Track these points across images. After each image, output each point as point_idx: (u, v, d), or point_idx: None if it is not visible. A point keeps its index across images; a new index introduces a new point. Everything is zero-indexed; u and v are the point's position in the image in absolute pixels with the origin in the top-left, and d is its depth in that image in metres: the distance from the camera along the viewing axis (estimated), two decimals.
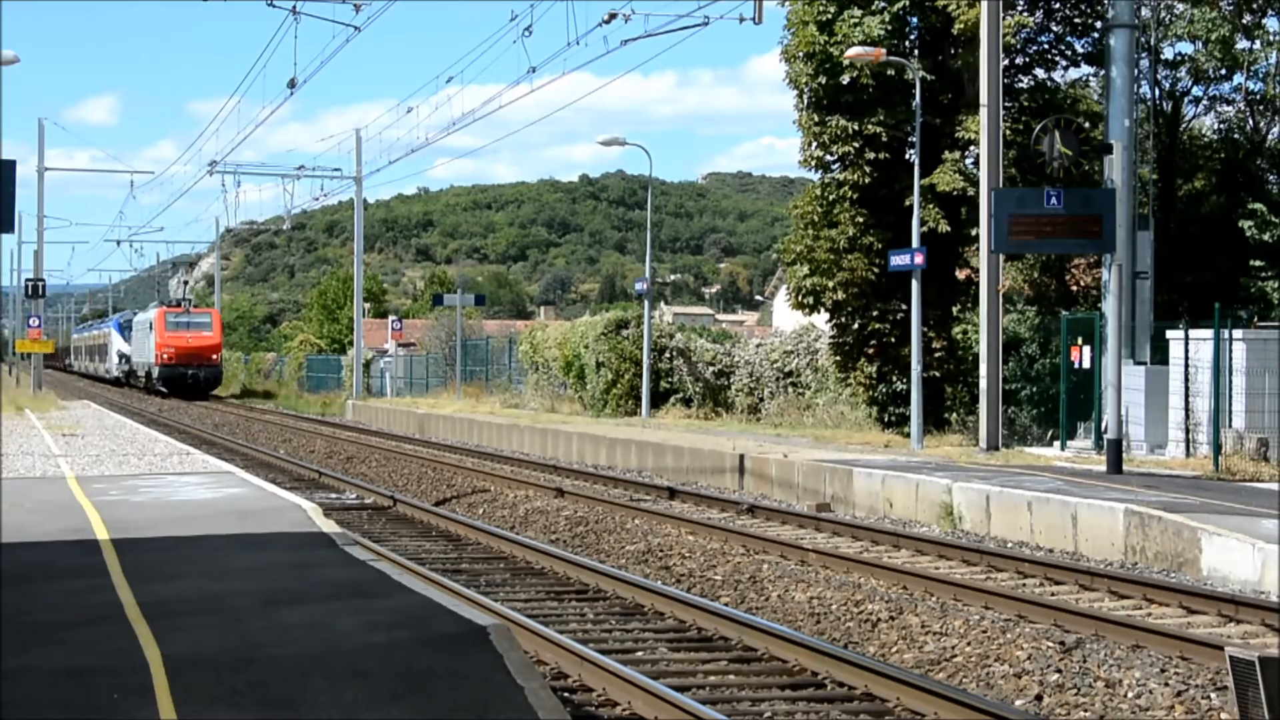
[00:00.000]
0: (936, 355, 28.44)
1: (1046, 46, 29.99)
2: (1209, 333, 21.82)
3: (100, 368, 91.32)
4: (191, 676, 7.56)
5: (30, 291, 55.51)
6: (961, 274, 29.60)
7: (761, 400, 37.92)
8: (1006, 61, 27.43)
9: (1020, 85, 29.27)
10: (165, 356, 67.33)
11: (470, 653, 8.17)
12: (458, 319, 52.12)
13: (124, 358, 79.88)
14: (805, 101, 29.42)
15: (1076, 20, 29.84)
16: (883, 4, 28.70)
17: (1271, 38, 28.41)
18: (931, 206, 27.75)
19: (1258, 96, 30.96)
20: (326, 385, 69.29)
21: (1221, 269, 27.53)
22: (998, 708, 9.05)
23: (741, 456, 24.62)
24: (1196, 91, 31.87)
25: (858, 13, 28.54)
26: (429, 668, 7.83)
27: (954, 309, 29.41)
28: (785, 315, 50.02)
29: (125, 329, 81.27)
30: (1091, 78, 31.69)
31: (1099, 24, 28.23)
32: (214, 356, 69.47)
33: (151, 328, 69.25)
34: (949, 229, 28.15)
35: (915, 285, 26.05)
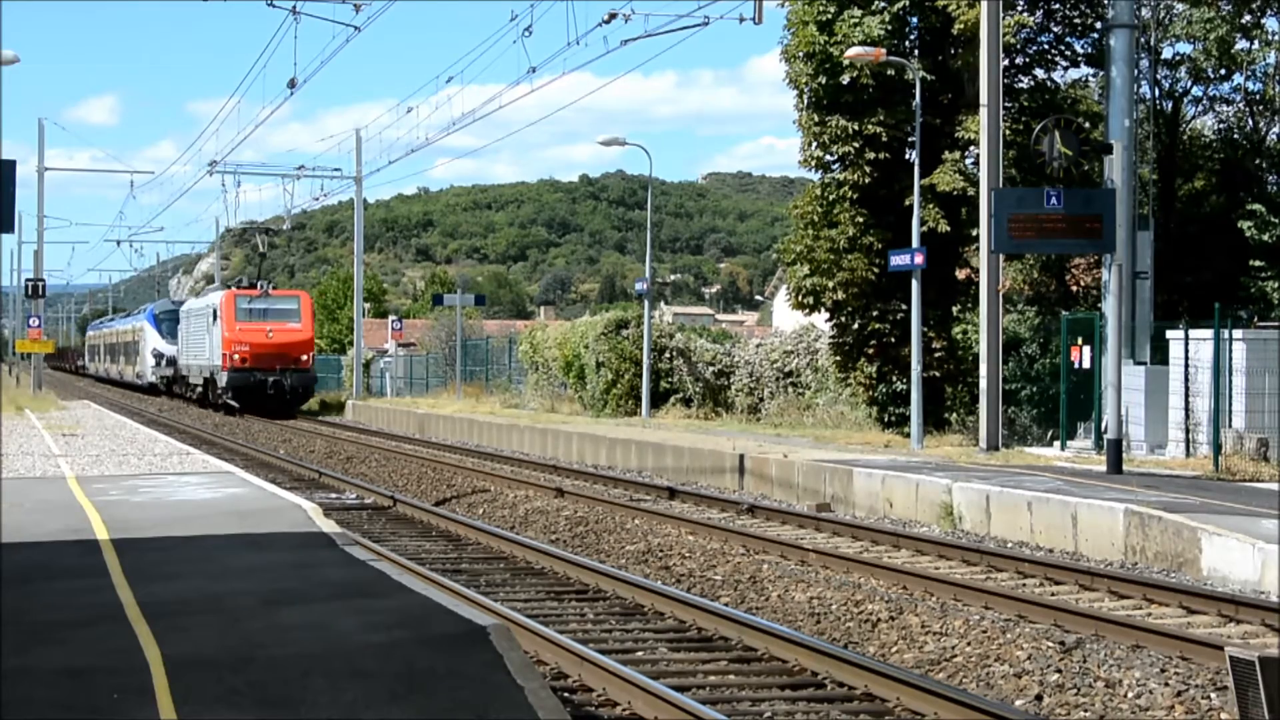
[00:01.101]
0: (936, 355, 28.44)
1: (1046, 46, 30.01)
2: (1209, 333, 21.83)
3: (127, 371, 75.89)
4: (191, 676, 7.56)
5: (30, 291, 55.55)
6: (961, 274, 29.60)
7: (761, 400, 37.92)
8: (1006, 61, 27.44)
9: (1020, 85, 29.28)
10: (237, 358, 50.16)
11: (470, 653, 8.17)
12: (458, 319, 52.13)
13: (163, 359, 64.21)
14: (805, 101, 29.43)
15: (1076, 20, 29.85)
16: (883, 4, 28.71)
17: (1270, 38, 28.42)
18: (931, 206, 27.75)
19: (1257, 96, 30.98)
20: (326, 385, 69.25)
21: (1221, 269, 27.54)
22: (998, 708, 9.05)
23: (741, 456, 24.62)
24: (1196, 91, 31.91)
25: (858, 13, 28.54)
26: (429, 668, 7.83)
27: (954, 309, 29.41)
28: (785, 315, 50.02)
29: (165, 321, 65.33)
30: (1091, 78, 31.72)
31: (1099, 24, 28.24)
32: (304, 357, 51.17)
33: (216, 318, 51.56)
34: (949, 229, 28.16)
35: (915, 285, 26.05)
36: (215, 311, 51.88)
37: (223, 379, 51.09)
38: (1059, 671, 10.21)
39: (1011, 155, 27.26)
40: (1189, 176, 31.09)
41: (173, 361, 62.06)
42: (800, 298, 30.28)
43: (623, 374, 40.79)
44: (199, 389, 56.12)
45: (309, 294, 58.63)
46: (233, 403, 50.69)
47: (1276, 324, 22.75)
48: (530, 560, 16.32)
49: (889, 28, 28.44)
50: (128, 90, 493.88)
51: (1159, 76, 30.13)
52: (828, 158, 29.70)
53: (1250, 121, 31.50)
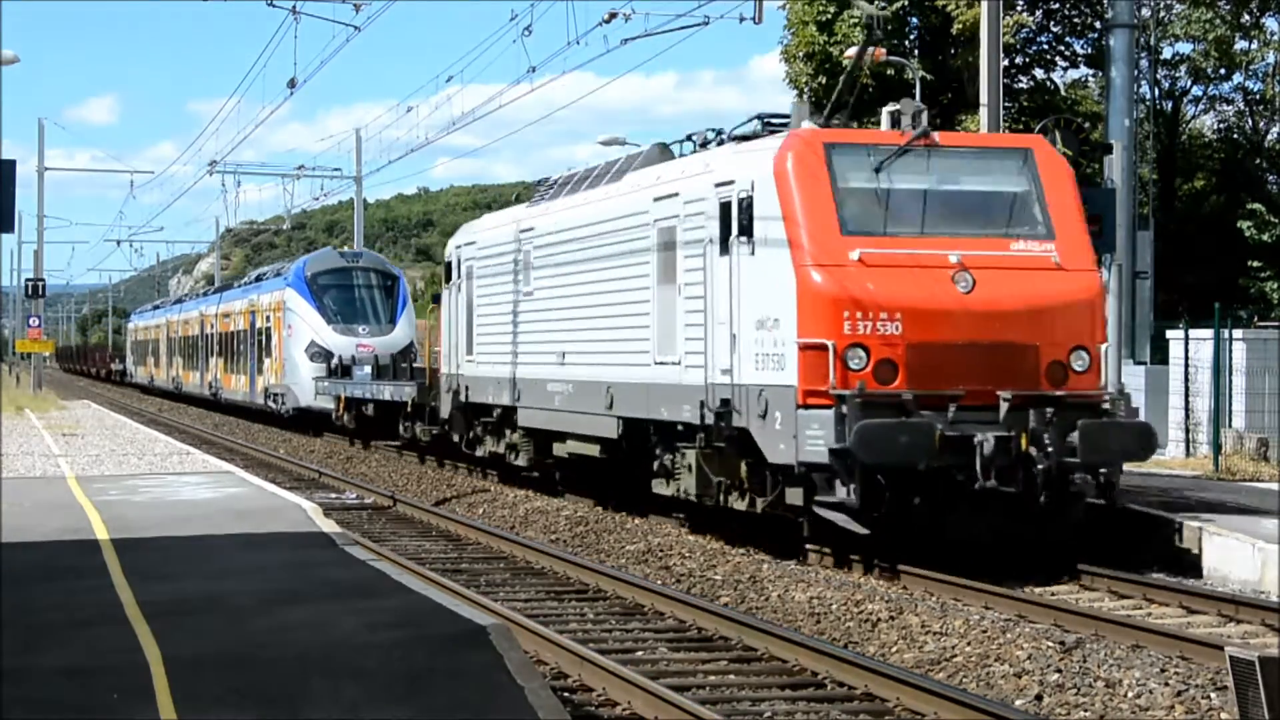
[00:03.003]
0: None
1: (1046, 46, 30.06)
2: (1209, 333, 21.83)
3: (233, 384, 45.61)
4: (191, 676, 7.56)
5: (30, 291, 55.53)
6: None
7: None
8: (1006, 61, 27.45)
9: (1020, 85, 29.33)
10: (863, 359, 13.87)
11: (470, 653, 8.17)
12: None
13: (335, 362, 36.19)
14: (805, 101, 29.47)
15: (1076, 20, 29.90)
16: (883, 4, 28.74)
17: (1270, 38, 28.46)
18: None
19: (1256, 96, 31.02)
20: None
21: (1221, 269, 27.58)
22: (998, 708, 9.04)
23: None
24: (1196, 91, 31.95)
25: (858, 13, 28.59)
26: (429, 668, 7.83)
27: None
28: None
29: (331, 289, 38.54)
30: (1091, 78, 31.77)
31: (1099, 24, 28.29)
32: (1080, 358, 14.38)
33: (757, 232, 14.84)
34: None
35: None
36: (744, 199, 15.20)
37: (817, 445, 13.89)
38: (1059, 671, 10.21)
39: None
40: (1189, 176, 31.14)
41: (407, 367, 31.64)
42: None
43: None
44: (595, 449, 19.16)
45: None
46: (854, 525, 14.06)
47: (1276, 324, 22.78)
48: (530, 560, 16.32)
49: (889, 27, 28.48)
50: (128, 90, 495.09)
51: (1159, 76, 30.19)
52: None
53: (1250, 121, 31.53)
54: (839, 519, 14.14)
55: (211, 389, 49.18)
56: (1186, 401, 22.91)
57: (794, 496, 14.55)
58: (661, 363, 16.69)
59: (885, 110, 15.80)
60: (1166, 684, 9.78)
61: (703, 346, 15.85)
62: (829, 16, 28.61)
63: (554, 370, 19.85)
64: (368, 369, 32.75)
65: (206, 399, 50.89)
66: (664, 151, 19.19)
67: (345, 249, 43.90)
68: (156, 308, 69.08)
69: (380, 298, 38.31)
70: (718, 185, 15.73)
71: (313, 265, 39.45)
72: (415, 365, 31.64)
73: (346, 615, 9.32)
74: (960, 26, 27.84)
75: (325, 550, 12.47)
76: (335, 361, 36.14)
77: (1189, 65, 30.35)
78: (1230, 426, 21.51)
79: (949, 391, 13.91)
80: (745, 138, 16.77)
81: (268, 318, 40.82)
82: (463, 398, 23.91)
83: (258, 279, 45.69)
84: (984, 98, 25.52)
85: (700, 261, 15.93)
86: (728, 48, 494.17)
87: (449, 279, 24.92)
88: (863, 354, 14.06)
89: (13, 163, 16.60)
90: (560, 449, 20.23)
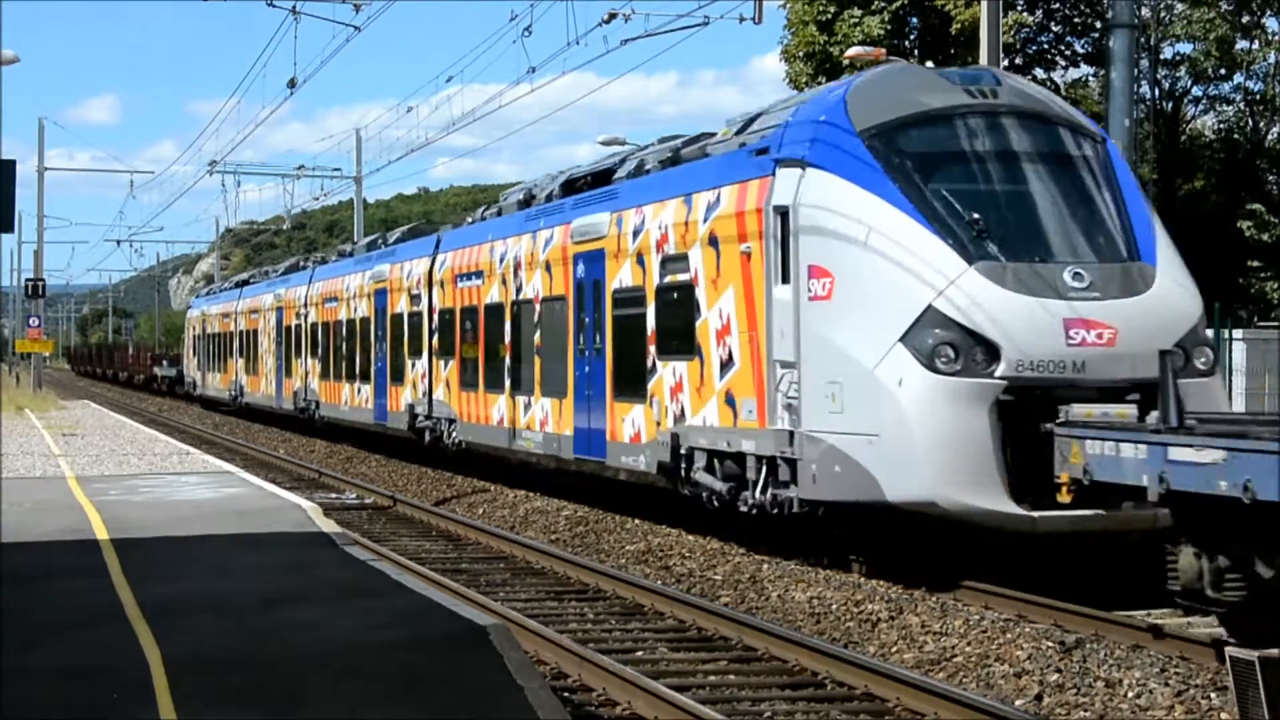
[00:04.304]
0: None
1: (1046, 46, 30.06)
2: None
3: (529, 420, 20.66)
4: (191, 676, 7.57)
5: (30, 291, 55.54)
6: None
7: None
8: (1006, 61, 27.45)
9: None
10: None
11: (470, 653, 8.18)
12: None
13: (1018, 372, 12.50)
14: None
15: (1076, 20, 29.90)
16: (882, 4, 28.74)
17: (1270, 38, 28.47)
18: None
19: (1257, 96, 31.02)
20: None
21: (1221, 269, 27.59)
22: (998, 708, 9.05)
23: None
24: (1196, 91, 31.95)
25: (857, 12, 28.60)
26: (429, 667, 7.84)
27: None
28: None
29: (954, 160, 13.65)
30: (1091, 78, 31.77)
31: (1099, 24, 28.30)
32: None
33: None
34: None
35: None
36: None
37: None
38: (1059, 671, 10.21)
39: None
40: (1189, 176, 31.13)
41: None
42: None
43: None
44: None
45: None
46: None
47: (1276, 324, 22.78)
48: (530, 560, 16.32)
49: (889, 27, 28.50)
50: (128, 90, 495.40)
51: (1159, 76, 30.19)
52: None
53: (1250, 121, 31.52)
54: None
55: (419, 422, 26.31)
56: None
57: None
58: None
59: None
60: (1166, 684, 9.78)
61: None
62: (829, 16, 28.59)
63: None
64: None
65: (401, 438, 28.02)
66: None
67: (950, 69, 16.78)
68: (245, 284, 46.82)
69: (1079, 190, 14.49)
70: None
71: (873, 95, 14.65)
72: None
73: (346, 615, 9.32)
74: (960, 26, 27.83)
75: (325, 550, 12.47)
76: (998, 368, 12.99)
77: (1189, 65, 30.35)
78: None
79: None
80: None
81: (684, 262, 16.38)
82: None
83: (592, 180, 20.27)
84: None
85: None
86: (728, 48, 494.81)
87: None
88: None
89: (13, 163, 16.60)
90: None
